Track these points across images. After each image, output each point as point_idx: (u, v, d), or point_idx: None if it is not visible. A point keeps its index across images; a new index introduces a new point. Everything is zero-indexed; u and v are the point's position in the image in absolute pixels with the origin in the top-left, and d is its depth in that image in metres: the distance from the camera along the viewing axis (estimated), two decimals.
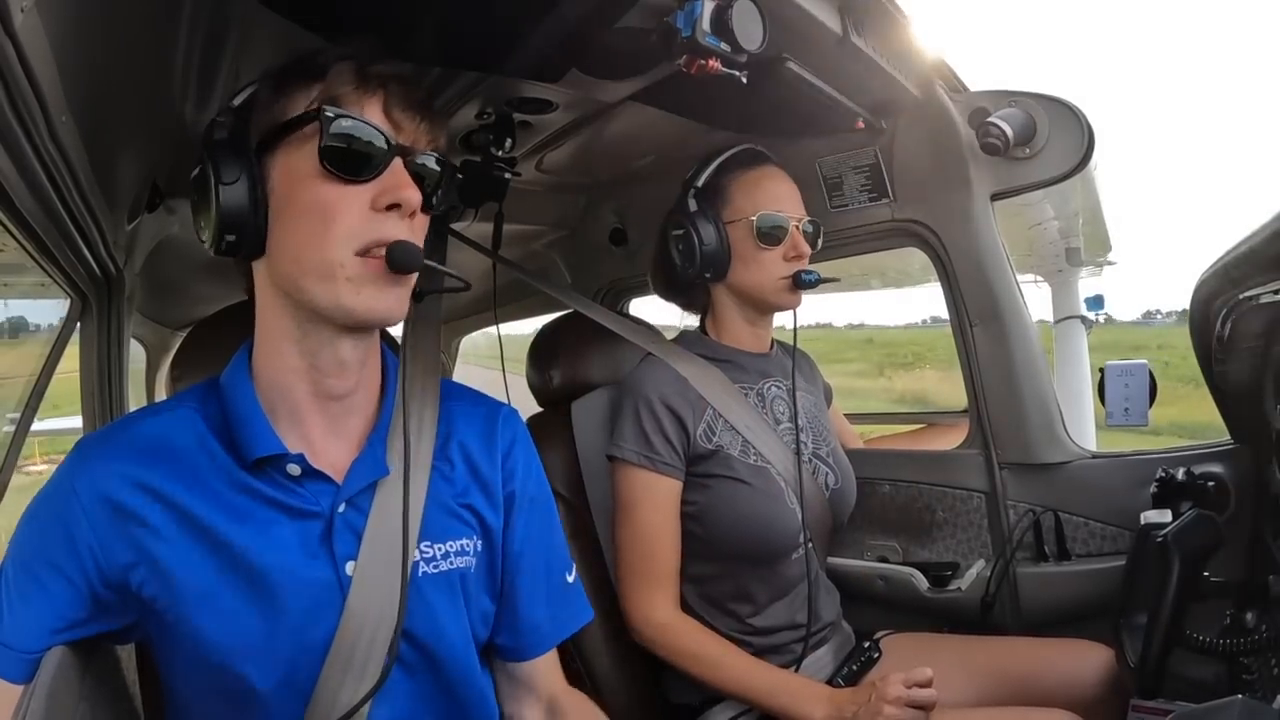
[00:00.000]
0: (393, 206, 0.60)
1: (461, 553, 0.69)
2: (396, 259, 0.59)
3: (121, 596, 0.60)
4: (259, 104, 0.63)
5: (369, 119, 0.60)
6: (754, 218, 1.08)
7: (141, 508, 0.59)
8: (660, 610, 1.04)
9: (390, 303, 0.61)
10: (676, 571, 1.07)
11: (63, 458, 0.63)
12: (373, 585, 0.62)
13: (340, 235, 0.59)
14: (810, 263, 1.12)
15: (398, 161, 0.61)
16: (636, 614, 1.05)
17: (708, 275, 1.11)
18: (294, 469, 0.62)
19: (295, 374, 0.63)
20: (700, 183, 1.12)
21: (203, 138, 0.62)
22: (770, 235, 1.08)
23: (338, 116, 0.59)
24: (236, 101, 0.63)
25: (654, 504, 1.05)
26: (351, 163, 0.59)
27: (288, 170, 0.61)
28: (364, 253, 0.59)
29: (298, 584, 0.61)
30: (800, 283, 1.08)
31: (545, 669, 0.78)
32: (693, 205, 1.11)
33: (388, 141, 0.60)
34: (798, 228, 1.09)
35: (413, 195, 0.60)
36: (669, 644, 1.03)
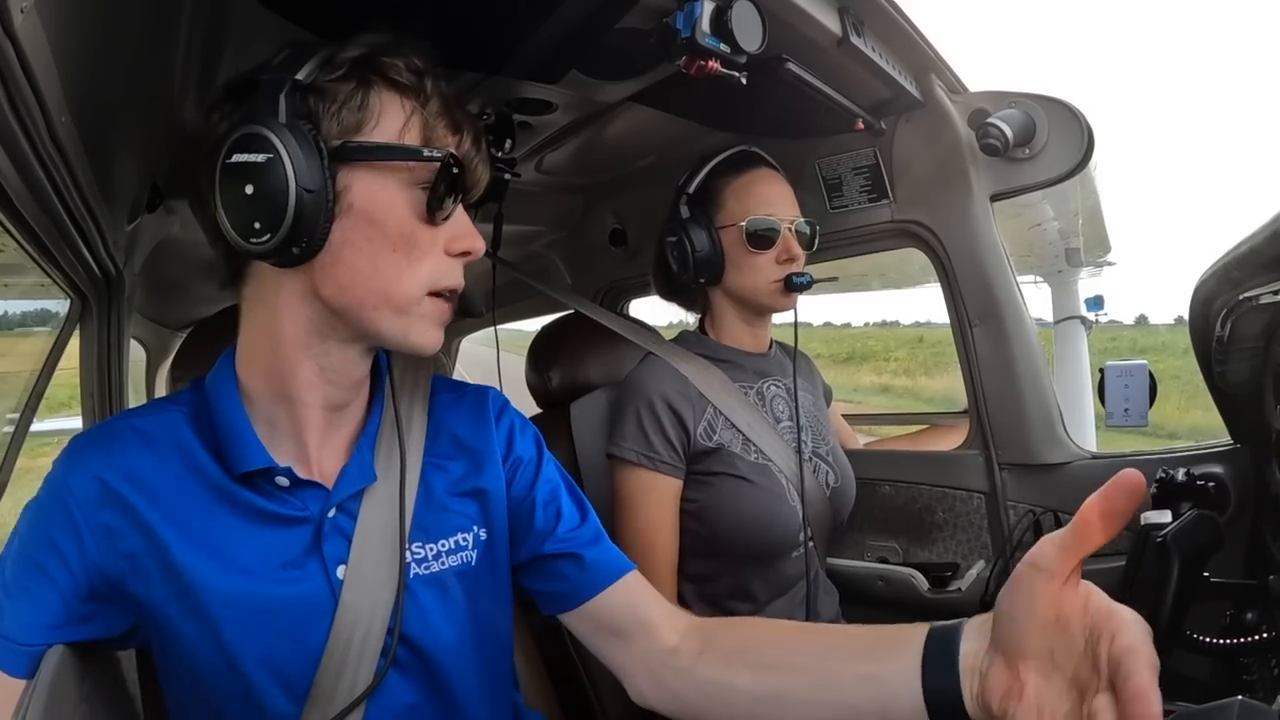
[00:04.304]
0: (463, 254, 0.62)
1: (457, 549, 0.69)
2: (467, 308, 0.63)
3: (118, 595, 0.60)
4: (336, 95, 0.57)
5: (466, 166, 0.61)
6: (744, 222, 1.08)
7: (133, 507, 0.59)
8: None
9: (442, 337, 0.64)
10: (675, 569, 1.07)
11: None
12: (364, 587, 0.63)
13: (422, 274, 0.60)
14: (809, 263, 1.12)
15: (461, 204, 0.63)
16: None
17: (702, 280, 1.12)
18: (282, 480, 0.62)
19: (308, 387, 0.62)
20: (692, 189, 1.13)
21: (246, 114, 0.54)
22: (761, 239, 1.08)
23: (456, 166, 0.59)
24: (302, 75, 0.55)
25: (653, 503, 1.06)
26: (445, 209, 0.60)
27: (372, 189, 0.57)
28: (435, 294, 0.61)
29: (289, 588, 0.61)
30: (792, 285, 1.09)
31: (631, 593, 0.69)
32: (685, 212, 1.12)
33: (469, 190, 0.62)
34: (790, 230, 1.09)
35: (480, 245, 0.63)
36: None
